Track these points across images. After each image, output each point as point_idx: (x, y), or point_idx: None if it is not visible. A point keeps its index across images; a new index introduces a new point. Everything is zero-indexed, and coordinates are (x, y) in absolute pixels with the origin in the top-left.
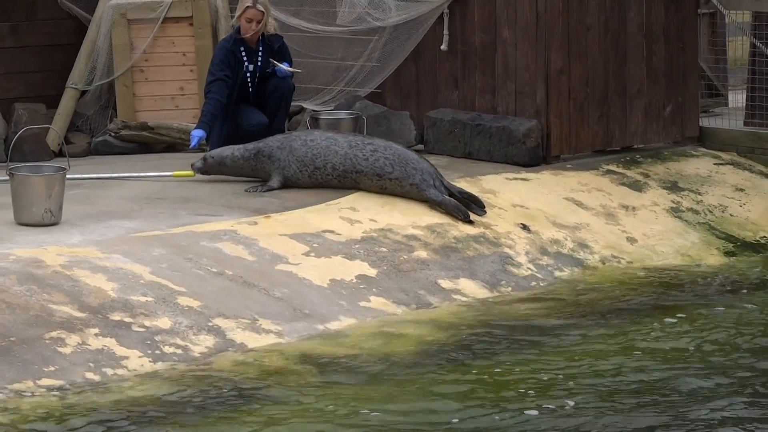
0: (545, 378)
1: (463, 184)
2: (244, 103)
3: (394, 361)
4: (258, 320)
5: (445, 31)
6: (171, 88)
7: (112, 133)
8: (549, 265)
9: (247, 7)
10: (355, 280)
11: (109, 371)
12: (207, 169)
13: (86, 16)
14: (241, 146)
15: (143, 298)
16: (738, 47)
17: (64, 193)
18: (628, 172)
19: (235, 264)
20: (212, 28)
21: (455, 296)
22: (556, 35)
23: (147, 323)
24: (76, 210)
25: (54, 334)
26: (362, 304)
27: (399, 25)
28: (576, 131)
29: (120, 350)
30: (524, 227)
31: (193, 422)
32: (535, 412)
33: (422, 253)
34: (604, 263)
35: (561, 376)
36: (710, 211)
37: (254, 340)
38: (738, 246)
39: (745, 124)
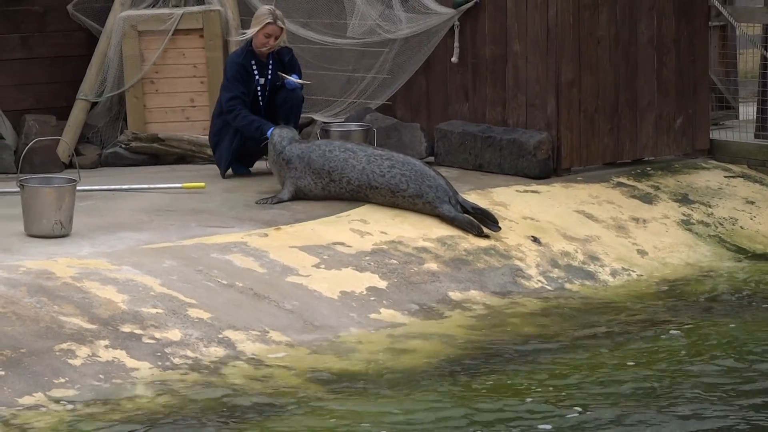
0: (556, 390)
1: (474, 197)
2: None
3: (405, 374)
4: (268, 332)
5: (456, 44)
6: (181, 99)
7: (122, 144)
8: (559, 277)
9: (268, 23)
10: (365, 292)
11: (119, 383)
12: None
13: (97, 27)
14: (288, 136)
15: (153, 310)
16: (749, 60)
17: (74, 204)
18: (639, 185)
19: (246, 276)
20: (223, 40)
21: (465, 308)
22: (567, 48)
23: (157, 335)
24: (87, 222)
25: (64, 345)
26: (372, 316)
27: (410, 38)
28: (586, 143)
29: (130, 362)
30: (535, 240)
31: None
32: (548, 426)
33: (433, 266)
34: (614, 276)
35: (572, 389)
36: (721, 224)
37: (264, 353)
38: (748, 258)
39: (756, 136)
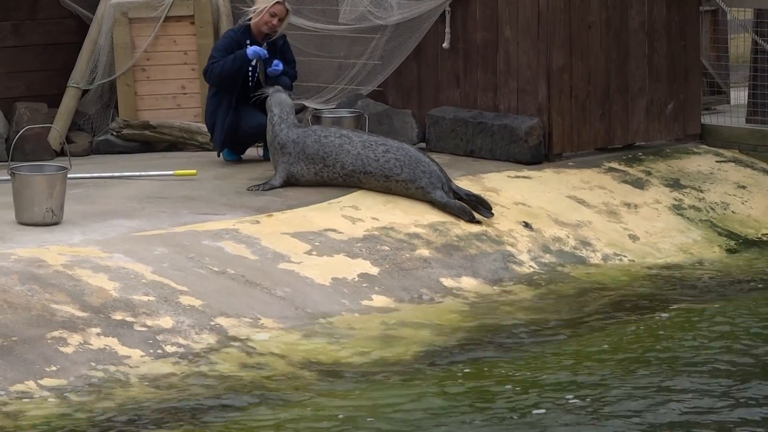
0: (549, 375)
1: (465, 183)
2: (244, 103)
3: (396, 361)
4: (260, 319)
5: (447, 30)
6: (173, 86)
7: (113, 132)
8: (551, 262)
9: (277, 2)
10: (357, 279)
11: (111, 370)
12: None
13: (88, 15)
14: (289, 114)
15: (145, 298)
16: (740, 44)
17: (65, 192)
18: (630, 170)
19: (237, 263)
20: (214, 26)
21: (457, 294)
22: (558, 33)
23: (149, 322)
24: (78, 209)
25: (56, 333)
26: (364, 302)
27: (401, 24)
28: (578, 129)
29: (122, 350)
30: (526, 225)
31: (195, 422)
32: (542, 411)
33: (424, 252)
34: (606, 261)
35: (565, 373)
36: (712, 209)
37: (256, 340)
38: (740, 243)
39: (747, 121)
